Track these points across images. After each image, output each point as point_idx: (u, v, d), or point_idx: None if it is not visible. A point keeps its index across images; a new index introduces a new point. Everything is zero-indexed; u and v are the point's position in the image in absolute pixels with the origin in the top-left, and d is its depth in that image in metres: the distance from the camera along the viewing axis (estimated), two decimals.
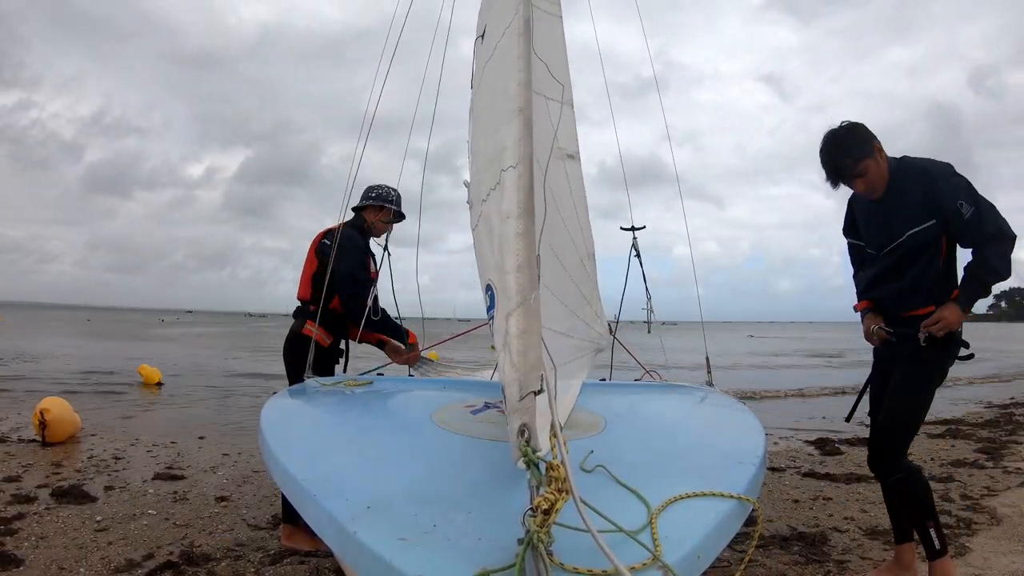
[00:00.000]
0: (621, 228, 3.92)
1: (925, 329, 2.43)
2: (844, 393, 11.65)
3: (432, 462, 1.64)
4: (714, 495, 1.36)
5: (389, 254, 3.49)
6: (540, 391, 1.27)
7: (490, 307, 1.44)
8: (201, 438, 6.35)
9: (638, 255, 3.82)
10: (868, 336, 2.73)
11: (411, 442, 1.86)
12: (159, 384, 11.48)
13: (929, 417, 2.65)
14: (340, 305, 3.28)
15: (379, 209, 3.45)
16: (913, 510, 2.54)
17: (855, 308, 2.85)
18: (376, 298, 3.32)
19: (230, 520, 3.65)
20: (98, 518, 3.60)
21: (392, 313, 3.52)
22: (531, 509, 0.99)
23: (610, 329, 3.58)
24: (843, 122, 2.57)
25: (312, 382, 2.82)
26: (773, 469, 4.98)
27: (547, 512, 0.97)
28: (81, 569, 2.88)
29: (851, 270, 2.95)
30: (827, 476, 4.81)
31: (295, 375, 3.17)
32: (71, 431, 5.97)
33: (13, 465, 4.84)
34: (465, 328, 4.26)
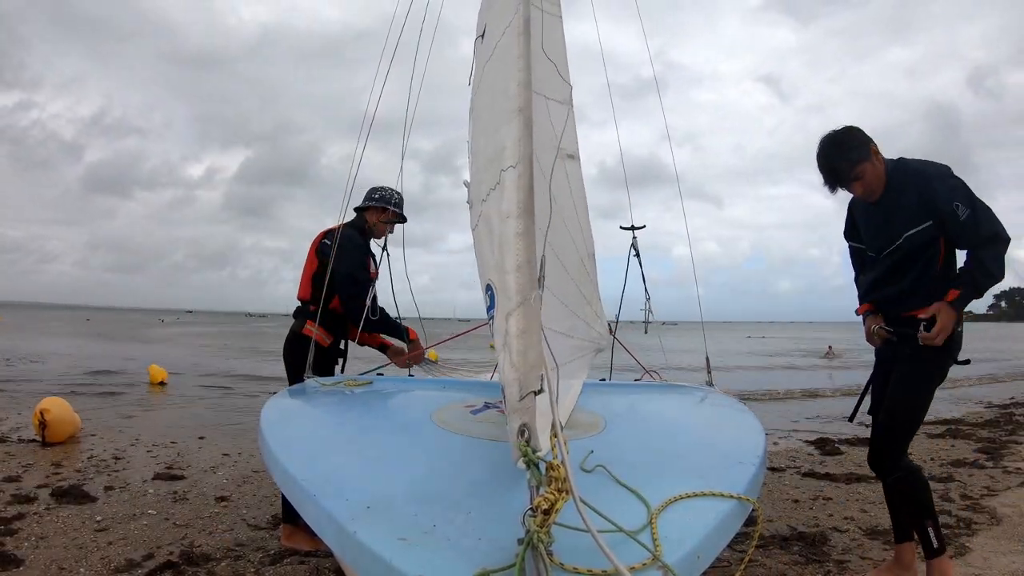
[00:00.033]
0: (621, 227, 3.92)
1: (925, 341, 2.43)
2: (821, 395, 11.66)
3: (432, 462, 1.64)
4: (714, 495, 1.36)
5: (388, 254, 3.49)
6: (540, 391, 1.26)
7: (490, 307, 1.44)
8: (201, 438, 6.35)
9: (637, 255, 3.81)
10: (869, 337, 2.73)
11: (411, 442, 1.86)
12: (162, 383, 11.61)
13: (929, 417, 2.65)
14: (340, 305, 3.29)
15: (381, 211, 3.45)
16: (912, 509, 2.55)
17: (857, 312, 2.86)
18: (375, 298, 3.32)
19: (230, 520, 3.65)
20: (98, 518, 3.60)
21: (392, 313, 3.52)
22: (531, 509, 0.99)
23: (610, 329, 3.59)
24: (839, 127, 2.57)
25: (312, 382, 2.82)
26: (773, 469, 4.98)
27: (547, 512, 0.97)
28: (81, 569, 2.88)
29: (852, 272, 2.95)
30: (827, 476, 4.81)
31: (295, 375, 3.17)
32: (71, 431, 5.97)
33: (13, 465, 4.85)
34: (465, 328, 4.26)
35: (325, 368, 3.30)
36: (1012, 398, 10.56)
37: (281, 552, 3.09)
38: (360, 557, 1.10)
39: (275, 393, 2.70)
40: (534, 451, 1.18)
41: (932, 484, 2.71)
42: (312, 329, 3.20)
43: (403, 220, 3.58)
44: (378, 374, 3.18)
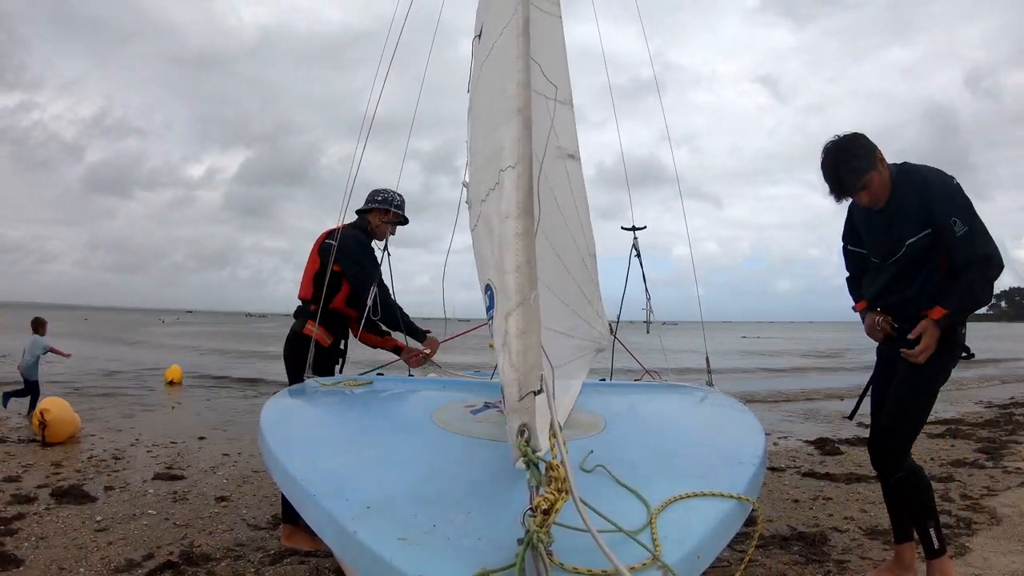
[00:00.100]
0: (622, 228, 3.92)
1: (907, 357, 2.42)
2: (821, 395, 11.65)
3: (432, 462, 1.64)
4: (714, 495, 1.36)
5: (389, 254, 3.50)
6: (540, 391, 1.26)
7: (489, 307, 1.44)
8: (201, 438, 6.35)
9: (638, 255, 3.81)
10: (871, 331, 2.71)
11: (411, 442, 1.86)
12: (171, 383, 11.88)
13: (929, 417, 2.65)
14: (350, 295, 3.29)
15: (383, 212, 3.47)
16: (914, 510, 2.54)
17: (854, 308, 2.85)
18: (376, 298, 3.32)
19: (230, 520, 3.65)
20: (98, 518, 3.60)
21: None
22: (531, 509, 0.99)
23: (611, 329, 3.59)
24: (841, 135, 2.53)
25: (312, 382, 2.82)
26: (773, 469, 4.98)
27: (547, 512, 0.97)
28: (81, 569, 2.88)
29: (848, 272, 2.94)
30: (827, 476, 4.81)
31: (295, 375, 3.17)
32: (71, 431, 5.98)
33: (13, 465, 4.85)
34: (464, 328, 4.26)
35: (325, 368, 3.30)
36: (1012, 398, 10.56)
37: (281, 552, 3.09)
38: (360, 557, 1.10)
39: (275, 393, 2.70)
40: (534, 451, 1.18)
41: (932, 484, 2.70)
42: (313, 329, 3.20)
43: (405, 222, 3.58)
44: (378, 374, 3.18)
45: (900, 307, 2.59)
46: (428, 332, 3.49)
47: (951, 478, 4.63)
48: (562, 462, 1.06)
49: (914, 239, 2.45)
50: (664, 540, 1.12)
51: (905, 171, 2.51)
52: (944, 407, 8.79)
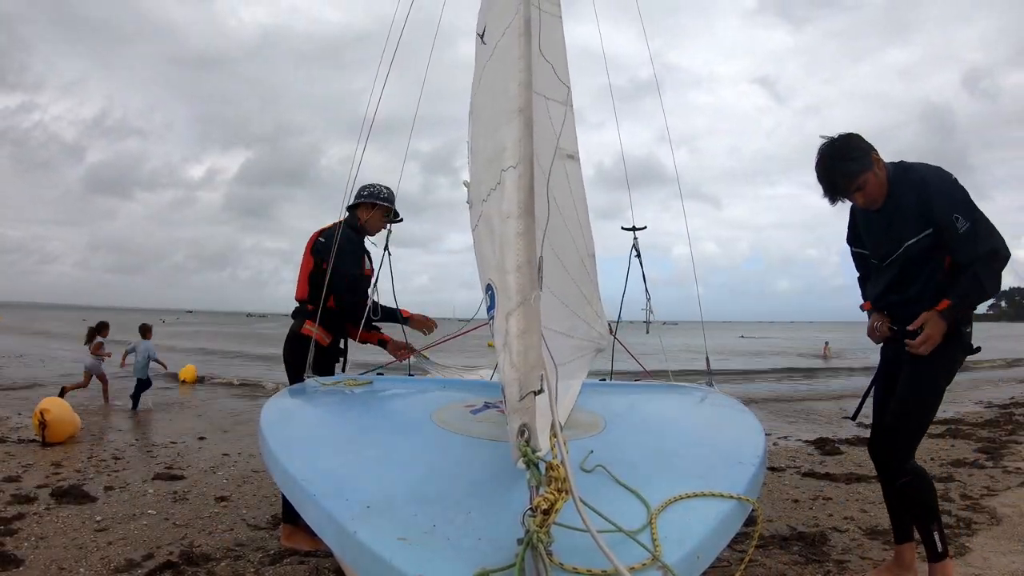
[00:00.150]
0: (622, 228, 3.92)
1: (911, 349, 2.40)
2: (820, 395, 11.65)
3: (432, 462, 1.64)
4: (714, 495, 1.36)
5: (390, 254, 3.50)
6: (540, 391, 1.27)
7: (490, 307, 1.44)
8: (201, 438, 6.36)
9: (638, 255, 3.81)
10: (871, 332, 2.71)
11: (411, 442, 1.86)
12: (183, 382, 12.20)
13: None
14: (336, 304, 3.28)
15: (371, 207, 3.46)
16: (917, 512, 2.52)
17: (862, 307, 2.84)
18: (373, 297, 3.33)
19: (230, 520, 3.65)
20: (98, 518, 3.61)
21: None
22: (531, 509, 0.99)
23: (610, 329, 3.59)
24: (836, 135, 2.52)
25: (312, 382, 2.82)
26: (773, 469, 4.98)
27: (547, 512, 0.97)
28: (81, 569, 2.88)
29: (851, 272, 2.94)
30: (827, 476, 4.81)
31: (295, 375, 3.17)
32: (71, 431, 5.98)
33: (13, 465, 4.85)
34: (462, 328, 4.26)
35: (325, 367, 3.30)
36: (1012, 398, 10.56)
37: (281, 552, 3.09)
38: (360, 557, 1.10)
39: (275, 393, 2.70)
40: (534, 451, 1.18)
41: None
42: (311, 329, 3.20)
43: (396, 216, 3.56)
44: (378, 374, 3.18)
45: (902, 307, 2.57)
46: (408, 317, 3.49)
47: (951, 478, 4.63)
48: (562, 462, 1.06)
49: (914, 240, 2.44)
50: (664, 540, 1.12)
51: (902, 170, 2.50)
52: (944, 407, 8.74)
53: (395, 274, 3.47)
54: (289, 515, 3.08)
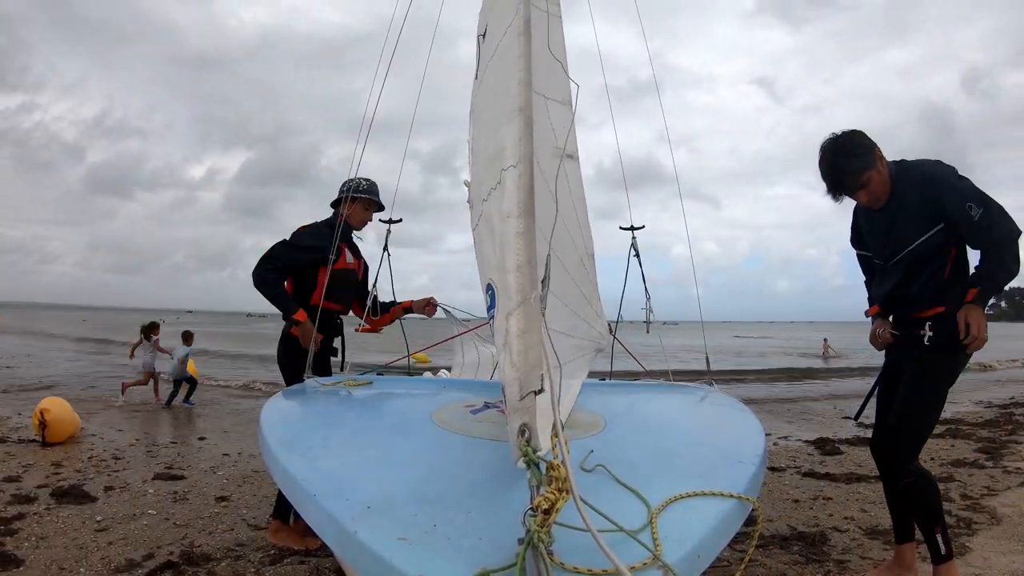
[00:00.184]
0: (620, 228, 3.92)
1: (972, 349, 2.38)
2: (821, 395, 11.65)
3: (432, 462, 1.64)
4: (714, 495, 1.36)
5: (389, 254, 3.50)
6: (540, 391, 1.27)
7: (491, 306, 1.45)
8: (201, 438, 6.36)
9: (637, 255, 3.81)
10: (873, 339, 2.70)
11: (411, 442, 1.86)
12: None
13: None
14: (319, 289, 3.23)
15: (352, 201, 3.44)
16: (922, 515, 2.51)
17: (867, 313, 2.83)
18: (374, 294, 3.37)
19: (230, 520, 3.65)
20: (98, 518, 3.61)
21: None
22: (531, 509, 0.99)
23: (610, 329, 3.59)
24: (839, 132, 2.50)
25: (312, 382, 2.82)
26: (773, 469, 4.98)
27: (547, 512, 0.97)
28: (81, 569, 2.88)
29: (851, 274, 2.94)
30: (827, 476, 4.81)
31: (289, 376, 3.18)
32: (71, 431, 5.98)
33: (13, 465, 4.85)
34: (463, 329, 4.26)
35: (320, 367, 3.27)
36: (1012, 398, 10.56)
37: (281, 552, 3.09)
38: (360, 557, 1.10)
39: (275, 393, 2.70)
40: (534, 451, 1.18)
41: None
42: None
43: (380, 206, 3.54)
44: (378, 374, 3.18)
45: (907, 305, 2.56)
46: (408, 307, 3.58)
47: (951, 478, 4.63)
48: (563, 462, 1.06)
49: (922, 239, 2.42)
50: (664, 540, 1.12)
51: (903, 168, 2.49)
52: (944, 407, 8.78)
53: (395, 274, 3.47)
54: (279, 511, 3.13)
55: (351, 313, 3.65)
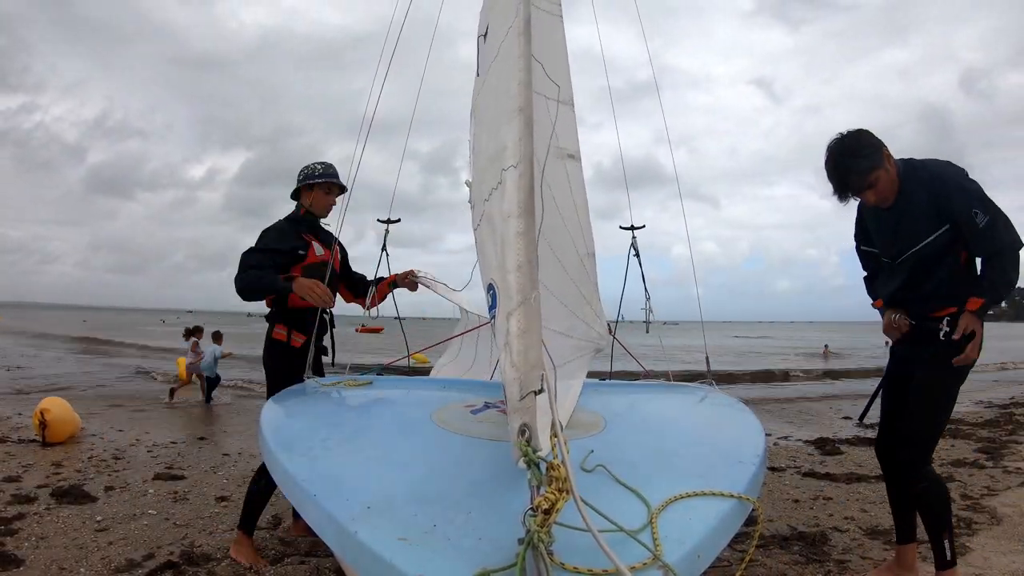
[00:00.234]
0: (620, 227, 3.92)
1: (960, 362, 2.36)
2: (821, 396, 11.65)
3: (432, 462, 1.64)
4: (714, 494, 1.37)
5: (388, 255, 3.49)
6: (541, 391, 1.27)
7: (492, 306, 1.45)
8: (201, 439, 6.36)
9: (637, 255, 3.81)
10: (888, 328, 2.64)
11: (411, 442, 1.86)
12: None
13: None
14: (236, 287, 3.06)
15: (310, 189, 3.27)
16: (933, 520, 2.48)
17: (873, 305, 2.79)
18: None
19: (230, 520, 3.65)
20: (98, 518, 3.60)
21: (391, 313, 3.51)
22: (531, 509, 0.99)
23: (609, 329, 3.59)
24: (846, 131, 2.47)
25: (312, 382, 2.83)
26: (773, 469, 4.98)
27: (547, 512, 0.97)
28: (81, 569, 2.88)
29: (851, 274, 2.93)
30: (827, 476, 4.81)
31: (273, 379, 3.10)
32: (71, 431, 5.98)
33: (13, 465, 4.85)
34: (464, 329, 4.25)
35: (300, 370, 3.06)
36: (1012, 398, 10.56)
37: (281, 552, 3.09)
38: (360, 557, 1.10)
39: (275, 393, 2.70)
40: (534, 451, 1.18)
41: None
42: (282, 332, 3.13)
43: (340, 186, 3.34)
44: (377, 374, 3.18)
45: (917, 304, 2.54)
46: (393, 280, 3.43)
47: (951, 478, 4.63)
48: (563, 462, 1.06)
49: (934, 236, 2.40)
50: (665, 539, 1.12)
51: (912, 168, 2.46)
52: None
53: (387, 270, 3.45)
54: (244, 522, 3.01)
55: (348, 302, 3.53)
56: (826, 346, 28.79)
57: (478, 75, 2.08)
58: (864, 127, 2.47)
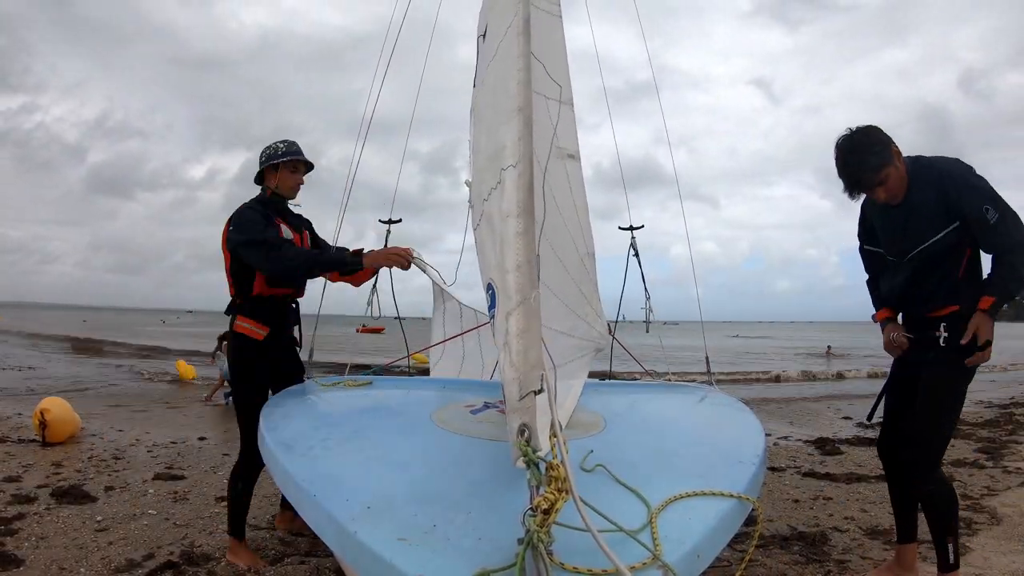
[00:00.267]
0: (620, 228, 3.93)
1: (972, 363, 2.35)
2: (820, 396, 11.64)
3: (432, 462, 1.65)
4: (714, 494, 1.37)
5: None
6: (540, 391, 1.27)
7: (491, 306, 1.45)
8: (201, 439, 6.35)
9: (636, 255, 3.81)
10: (888, 347, 2.65)
11: (411, 442, 1.87)
12: (190, 380, 12.37)
13: None
14: (266, 277, 2.92)
15: (275, 169, 3.07)
16: (939, 523, 2.47)
17: (874, 318, 2.77)
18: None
19: None
20: (98, 518, 3.60)
21: (391, 314, 3.50)
22: (531, 509, 0.99)
23: (609, 329, 3.59)
24: (854, 128, 2.45)
25: (312, 382, 2.83)
26: (773, 469, 4.98)
27: (547, 512, 0.97)
28: (81, 569, 2.88)
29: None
30: (827, 476, 4.81)
31: (238, 379, 2.95)
32: (71, 431, 5.97)
33: (13, 465, 4.84)
34: (463, 330, 4.26)
35: (274, 364, 2.98)
36: (1012, 398, 10.55)
37: (281, 552, 3.09)
38: (360, 557, 1.10)
39: (275, 393, 2.70)
40: (534, 451, 1.18)
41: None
42: (243, 324, 2.93)
43: (306, 163, 3.17)
44: (376, 374, 3.18)
45: (920, 303, 2.53)
46: (359, 251, 3.07)
47: (951, 478, 4.62)
48: (562, 462, 1.06)
49: (943, 233, 2.38)
50: (664, 539, 1.12)
51: (920, 165, 2.44)
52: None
53: (394, 274, 3.44)
54: (235, 528, 2.94)
55: (334, 281, 3.30)
56: (829, 347, 28.79)
57: (477, 75, 2.08)
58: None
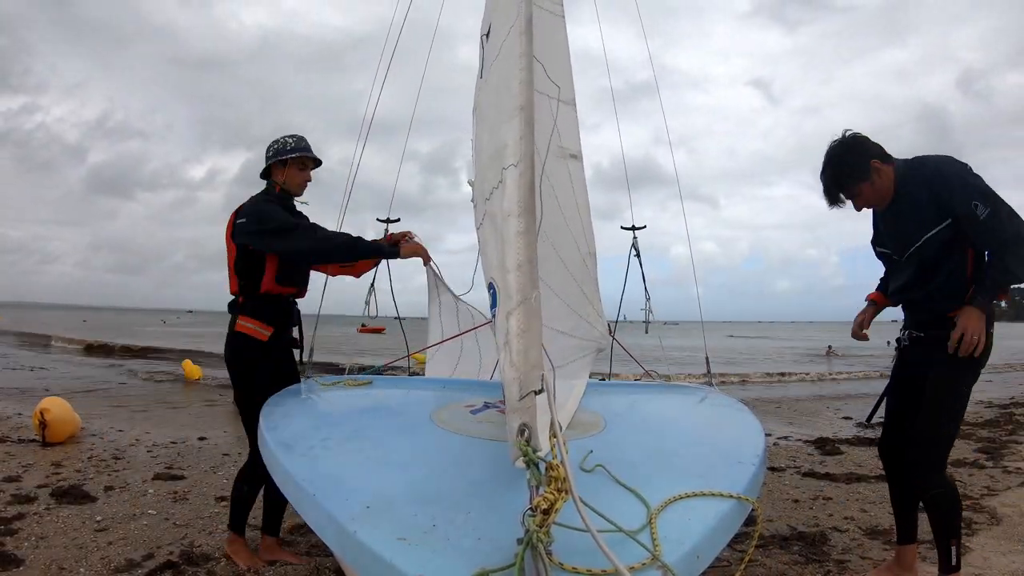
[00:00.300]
0: (622, 228, 3.93)
1: (963, 352, 2.35)
2: (820, 397, 11.62)
3: (432, 462, 1.64)
4: (714, 495, 1.37)
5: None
6: (540, 391, 1.27)
7: (492, 305, 1.45)
8: (201, 439, 6.35)
9: (638, 255, 3.81)
10: (855, 330, 2.75)
11: (411, 442, 1.86)
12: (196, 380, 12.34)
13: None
14: (292, 259, 2.86)
15: (284, 165, 3.00)
16: (943, 525, 2.47)
17: (867, 297, 2.83)
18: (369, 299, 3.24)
19: None
20: (98, 518, 3.60)
21: (391, 314, 3.50)
22: (531, 509, 0.99)
23: (609, 329, 3.59)
24: (844, 135, 2.51)
25: (312, 382, 2.83)
26: (773, 469, 4.98)
27: (547, 512, 0.97)
28: (81, 569, 2.88)
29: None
30: (827, 476, 4.81)
31: (239, 382, 2.89)
32: (71, 431, 5.97)
33: (13, 465, 4.84)
34: (463, 330, 4.25)
35: (274, 365, 2.92)
36: (1012, 398, 10.55)
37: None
38: (360, 557, 1.10)
39: (275, 393, 2.70)
40: (534, 451, 1.18)
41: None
42: (245, 324, 2.85)
43: (314, 159, 3.10)
44: (376, 373, 3.18)
45: (925, 301, 2.53)
46: (408, 234, 3.09)
47: (951, 478, 4.62)
48: (562, 462, 1.06)
49: (933, 232, 2.39)
50: (664, 540, 1.12)
51: (915, 166, 2.46)
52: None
53: (394, 274, 3.45)
54: (235, 523, 2.92)
55: (334, 274, 3.28)
56: (829, 347, 28.77)
57: (480, 74, 2.08)
58: (861, 128, 2.49)
